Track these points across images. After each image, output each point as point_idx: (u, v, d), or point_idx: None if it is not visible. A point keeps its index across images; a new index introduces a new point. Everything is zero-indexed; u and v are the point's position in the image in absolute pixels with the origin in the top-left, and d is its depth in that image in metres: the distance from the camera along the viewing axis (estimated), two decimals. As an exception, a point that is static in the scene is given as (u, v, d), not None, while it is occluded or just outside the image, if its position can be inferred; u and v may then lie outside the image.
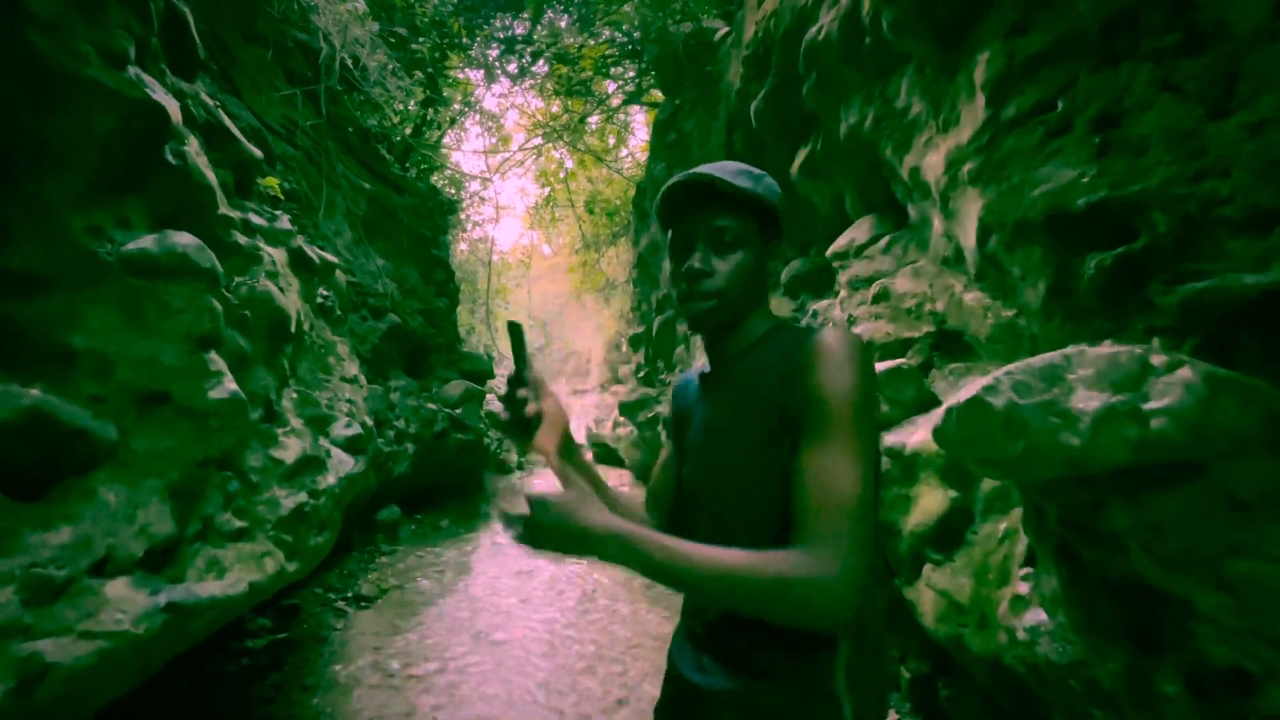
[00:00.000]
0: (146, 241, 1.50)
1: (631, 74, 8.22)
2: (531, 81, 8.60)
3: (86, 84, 1.42)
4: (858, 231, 2.85)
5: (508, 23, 7.67)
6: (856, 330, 2.69)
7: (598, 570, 5.16)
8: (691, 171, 0.89)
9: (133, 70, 1.53)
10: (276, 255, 2.06)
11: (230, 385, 1.49)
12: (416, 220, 7.74)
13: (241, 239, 1.94)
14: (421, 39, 6.18)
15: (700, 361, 1.14)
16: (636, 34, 6.55)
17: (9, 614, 1.01)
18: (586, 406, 18.82)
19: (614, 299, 12.70)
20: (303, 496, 1.85)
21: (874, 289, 2.63)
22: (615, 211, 11.31)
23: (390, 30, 6.23)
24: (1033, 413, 1.27)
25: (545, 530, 0.76)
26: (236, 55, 4.43)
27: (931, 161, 2.13)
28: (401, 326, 6.49)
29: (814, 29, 2.63)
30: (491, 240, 10.85)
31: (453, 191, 10.08)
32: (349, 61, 5.34)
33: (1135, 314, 1.51)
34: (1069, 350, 1.29)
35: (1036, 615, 1.50)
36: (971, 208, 1.94)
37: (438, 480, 7.28)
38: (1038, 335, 1.81)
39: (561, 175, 10.62)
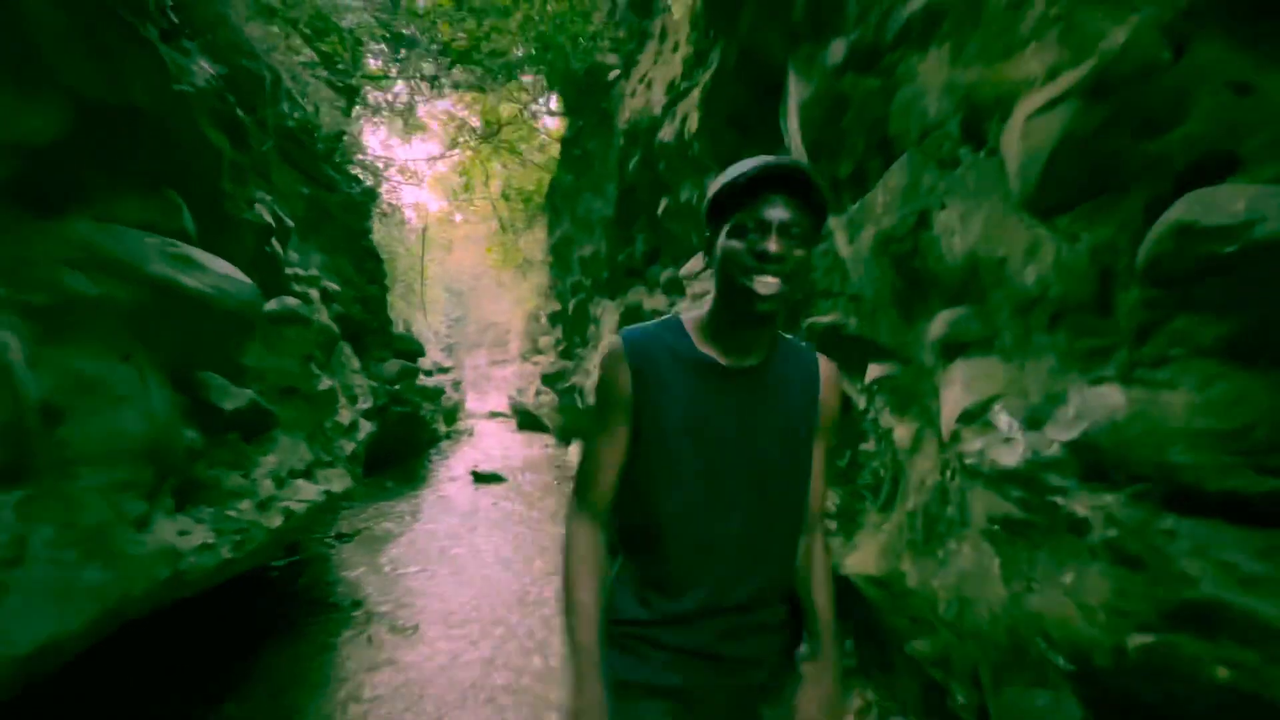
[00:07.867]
0: (273, 304, 2.69)
1: (539, 80, 9.25)
2: (449, 81, 9.44)
3: (243, 222, 2.60)
4: (696, 262, 4.36)
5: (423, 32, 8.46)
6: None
7: (512, 500, 6.64)
8: (789, 160, 0.85)
9: (259, 208, 2.70)
10: (314, 293, 3.22)
11: (327, 381, 2.70)
12: (347, 215, 8.53)
13: (297, 288, 3.12)
14: (344, 57, 7.01)
15: (679, 338, 1.02)
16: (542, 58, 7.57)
17: (270, 491, 2.25)
18: (508, 376, 19.86)
19: (531, 275, 13.75)
20: (352, 445, 3.07)
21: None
22: (530, 197, 12.34)
23: (318, 49, 6.98)
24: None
25: None
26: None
27: (723, 233, 3.63)
28: (344, 314, 7.43)
29: (662, 132, 4.05)
30: (421, 220, 11.57)
31: (371, 181, 10.72)
32: (291, 87, 6.12)
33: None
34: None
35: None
36: (738, 266, 3.45)
37: (380, 447, 8.36)
38: (768, 338, 3.38)
39: (478, 164, 11.51)
